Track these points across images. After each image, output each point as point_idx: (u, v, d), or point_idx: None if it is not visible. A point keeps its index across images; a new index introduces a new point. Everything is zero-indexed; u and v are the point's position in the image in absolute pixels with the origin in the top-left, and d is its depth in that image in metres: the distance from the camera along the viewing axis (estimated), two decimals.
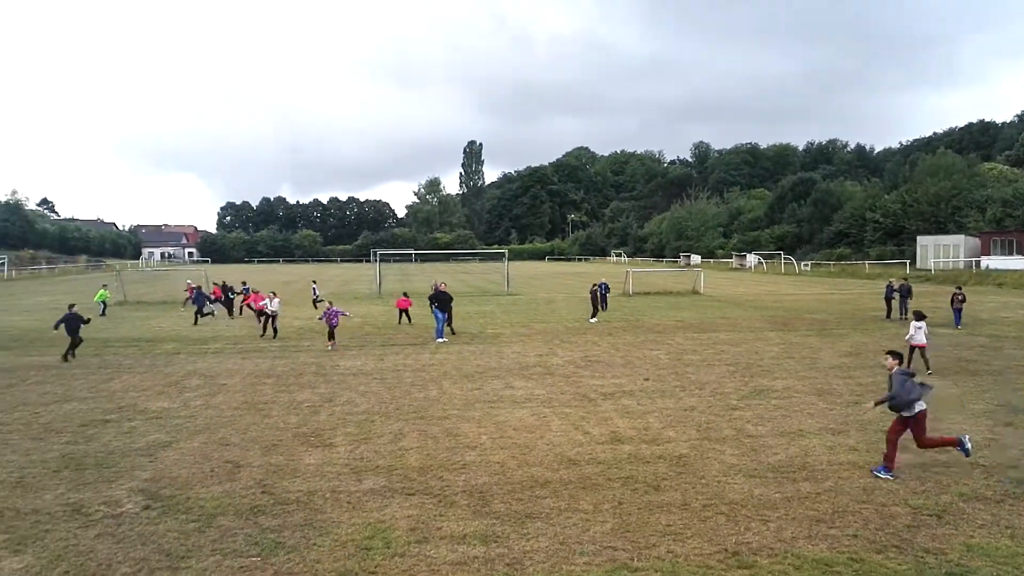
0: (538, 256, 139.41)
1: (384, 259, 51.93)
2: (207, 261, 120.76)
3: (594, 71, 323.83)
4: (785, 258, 76.54)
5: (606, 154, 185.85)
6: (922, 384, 9.25)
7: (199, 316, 28.09)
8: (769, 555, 6.87)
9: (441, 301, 22.48)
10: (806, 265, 72.66)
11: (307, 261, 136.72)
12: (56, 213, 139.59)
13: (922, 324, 16.27)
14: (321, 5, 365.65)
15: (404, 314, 27.25)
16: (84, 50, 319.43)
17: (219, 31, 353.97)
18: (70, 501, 8.37)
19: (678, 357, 18.88)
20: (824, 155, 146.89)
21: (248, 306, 30.31)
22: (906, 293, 26.58)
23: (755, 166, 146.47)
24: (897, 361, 9.58)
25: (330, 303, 22.12)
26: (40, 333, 24.72)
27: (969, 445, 9.21)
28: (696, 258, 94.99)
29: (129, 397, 14.24)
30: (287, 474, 9.37)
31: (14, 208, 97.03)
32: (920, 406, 9.06)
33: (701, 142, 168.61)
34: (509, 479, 9.12)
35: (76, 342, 19.02)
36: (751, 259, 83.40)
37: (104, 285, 33.80)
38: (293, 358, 18.98)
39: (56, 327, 18.99)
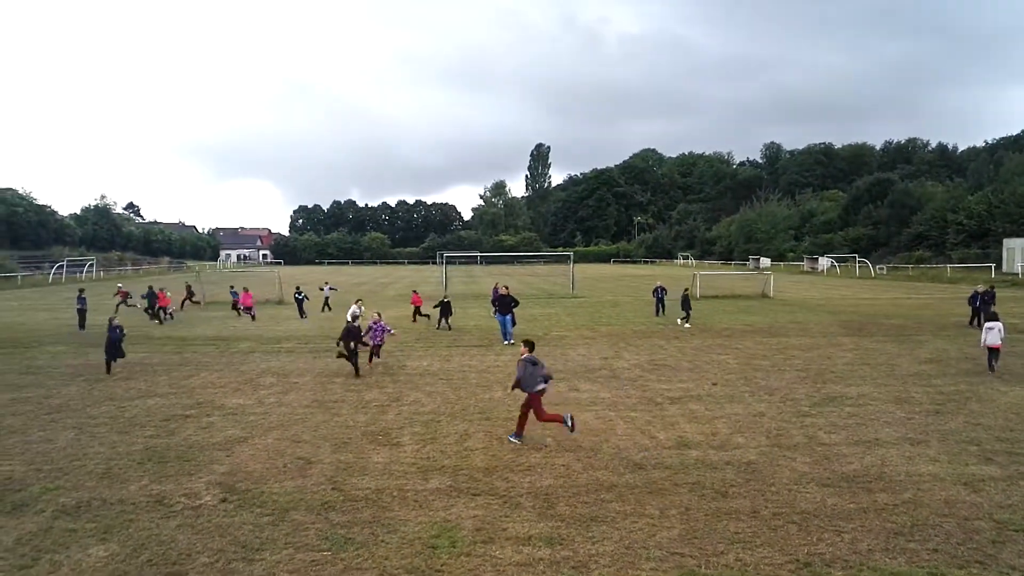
0: (603, 258, 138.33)
1: (450, 261, 52.58)
2: (280, 263, 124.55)
3: (665, 72, 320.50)
4: (860, 261, 73.82)
5: (674, 156, 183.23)
6: (544, 377, 11.06)
7: (150, 313, 29.52)
8: (843, 567, 6.66)
9: (503, 304, 22.55)
10: (882, 268, 69.93)
11: (375, 263, 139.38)
12: (141, 217, 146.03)
13: (994, 325, 16.29)
14: (390, 10, 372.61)
15: (417, 311, 28.76)
16: (169, 61, 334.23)
17: (291, 40, 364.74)
18: (153, 492, 8.75)
19: (747, 362, 18.47)
20: (903, 155, 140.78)
21: (235, 307, 31.98)
22: (989, 299, 25.34)
23: (829, 167, 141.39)
24: (528, 349, 11.20)
25: (377, 315, 19.05)
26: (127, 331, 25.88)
27: (571, 423, 10.81)
28: (766, 261, 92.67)
29: (207, 393, 14.80)
30: (356, 471, 9.58)
31: (103, 212, 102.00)
32: (538, 388, 10.91)
33: (772, 143, 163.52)
34: (574, 482, 9.10)
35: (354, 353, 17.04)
36: (823, 262, 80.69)
37: (162, 288, 32.79)
38: (361, 358, 19.32)
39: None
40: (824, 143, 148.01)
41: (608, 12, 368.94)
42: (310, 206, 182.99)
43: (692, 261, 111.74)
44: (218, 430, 11.81)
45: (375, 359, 18.47)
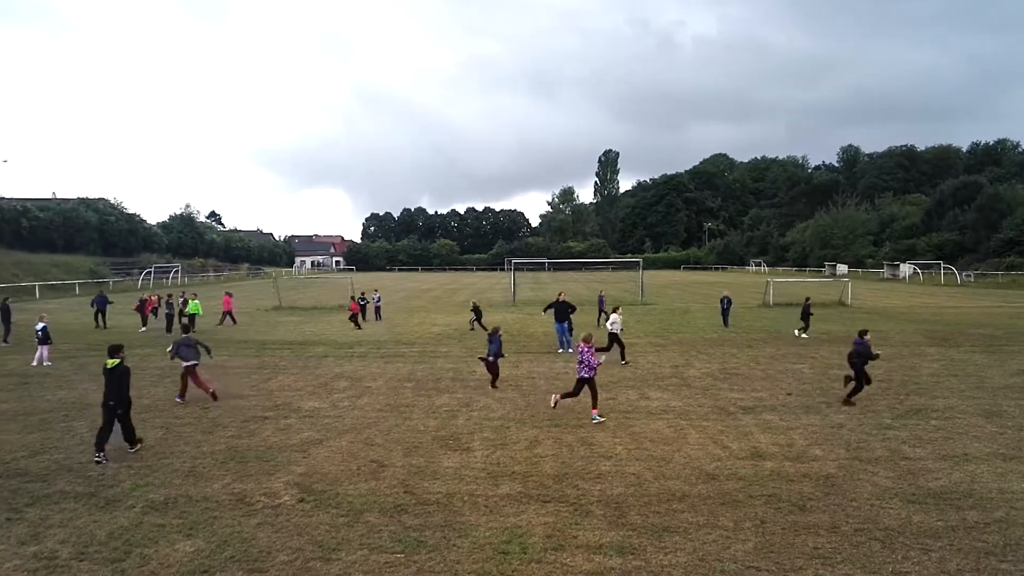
0: (673, 265, 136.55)
1: (518, 268, 52.61)
2: (352, 269, 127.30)
3: (738, 74, 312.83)
4: (945, 268, 70.56)
5: (745, 160, 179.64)
6: (203, 351, 14.89)
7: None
8: None
9: (559, 311, 22.15)
10: (969, 276, 66.70)
11: (444, 269, 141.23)
12: (222, 225, 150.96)
13: None
14: (459, 18, 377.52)
15: (354, 318, 29.51)
16: (248, 74, 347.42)
17: (362, 49, 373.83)
18: (235, 491, 9.08)
19: (823, 372, 17.90)
20: (992, 156, 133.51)
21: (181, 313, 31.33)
22: None
23: (911, 170, 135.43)
24: (185, 332, 15.74)
25: (586, 339, 13.25)
26: (209, 335, 26.97)
27: (213, 397, 14.61)
28: (842, 268, 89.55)
29: (284, 396, 15.27)
30: (427, 475, 9.71)
31: (187, 220, 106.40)
32: (191, 363, 14.49)
33: (850, 146, 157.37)
34: (645, 491, 9.00)
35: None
36: (905, 269, 77.32)
37: (194, 295, 30.99)
38: (432, 363, 19.63)
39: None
40: (906, 145, 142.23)
41: (681, 15, 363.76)
42: (381, 214, 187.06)
43: (764, 268, 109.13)
44: (295, 432, 12.16)
45: (593, 410, 13.10)
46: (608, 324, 20.05)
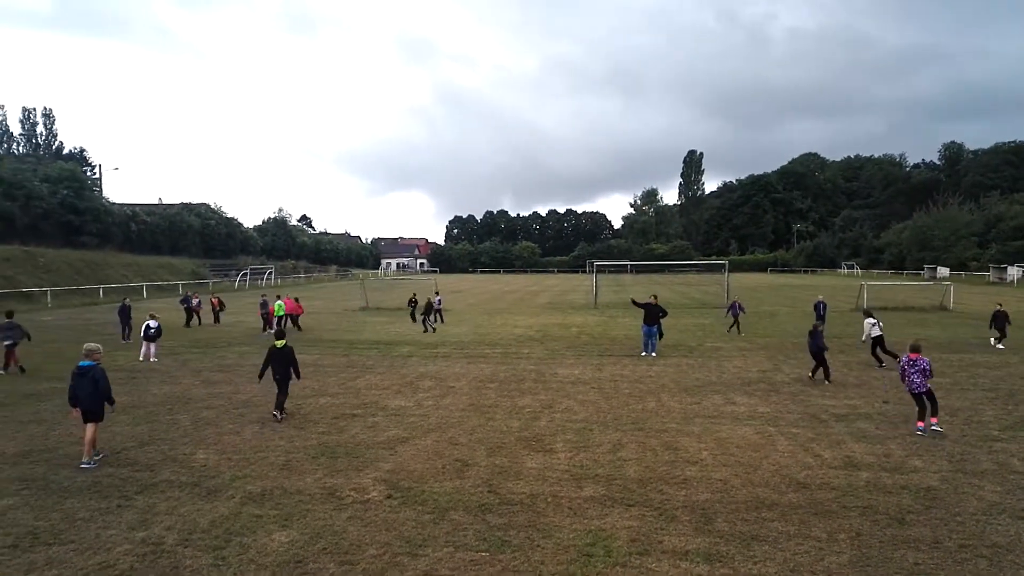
0: (759, 268, 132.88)
1: (600, 270, 52.24)
2: (436, 271, 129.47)
3: (835, 68, 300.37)
4: None
5: (837, 159, 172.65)
6: (23, 332, 18.45)
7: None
8: None
9: (649, 314, 21.71)
10: None
11: (525, 271, 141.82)
12: (312, 228, 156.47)
13: None
14: (542, 19, 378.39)
15: (294, 320, 29.65)
16: (337, 81, 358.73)
17: (446, 53, 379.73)
18: (326, 485, 9.40)
19: None
20: None
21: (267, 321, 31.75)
22: None
23: (1020, 167, 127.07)
24: (8, 317, 18.49)
25: (916, 349, 12.26)
26: (300, 334, 27.99)
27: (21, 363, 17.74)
28: (943, 271, 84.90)
29: (372, 395, 15.69)
30: (511, 476, 9.79)
31: (280, 223, 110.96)
32: (9, 342, 17.70)
33: (952, 142, 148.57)
34: (733, 498, 8.80)
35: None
36: (1013, 272, 72.55)
37: (278, 296, 30.88)
38: (514, 364, 19.76)
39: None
40: (1015, 141, 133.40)
41: (773, 7, 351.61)
42: (464, 216, 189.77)
43: (858, 270, 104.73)
44: (382, 430, 12.48)
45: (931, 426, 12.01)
46: (874, 332, 19.65)
